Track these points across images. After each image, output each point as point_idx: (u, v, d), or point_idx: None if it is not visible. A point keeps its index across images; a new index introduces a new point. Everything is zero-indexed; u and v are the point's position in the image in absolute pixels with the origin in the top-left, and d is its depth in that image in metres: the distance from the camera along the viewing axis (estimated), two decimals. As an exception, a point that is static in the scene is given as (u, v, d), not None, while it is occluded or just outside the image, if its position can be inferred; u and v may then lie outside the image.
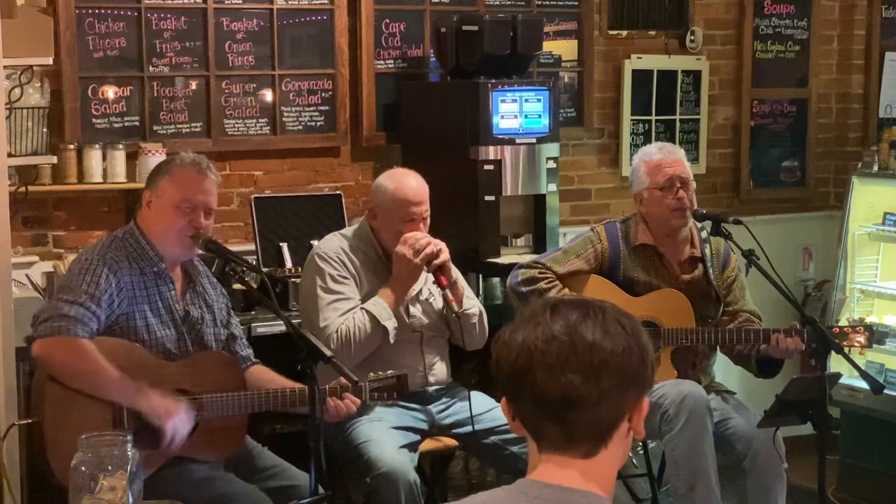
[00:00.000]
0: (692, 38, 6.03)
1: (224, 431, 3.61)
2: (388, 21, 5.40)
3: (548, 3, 5.72)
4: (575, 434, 1.73)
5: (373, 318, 3.99)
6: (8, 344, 3.81)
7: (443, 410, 4.18)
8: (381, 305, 4.02)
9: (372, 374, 3.77)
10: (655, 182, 4.29)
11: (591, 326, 1.74)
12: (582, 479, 1.74)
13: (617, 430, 1.75)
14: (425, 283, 4.20)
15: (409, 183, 4.12)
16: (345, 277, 4.08)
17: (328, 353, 3.46)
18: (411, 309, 4.17)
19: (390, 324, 4.01)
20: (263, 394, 3.61)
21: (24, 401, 3.87)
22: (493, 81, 4.98)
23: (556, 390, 1.71)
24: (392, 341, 4.03)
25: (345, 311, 4.02)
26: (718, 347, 4.35)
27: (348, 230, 4.28)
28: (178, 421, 3.42)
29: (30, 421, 3.56)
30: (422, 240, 4.04)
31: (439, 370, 4.22)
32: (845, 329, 4.28)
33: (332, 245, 4.16)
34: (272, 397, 3.62)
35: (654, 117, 5.99)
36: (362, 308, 4.02)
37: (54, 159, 4.68)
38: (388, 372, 3.79)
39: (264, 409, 3.65)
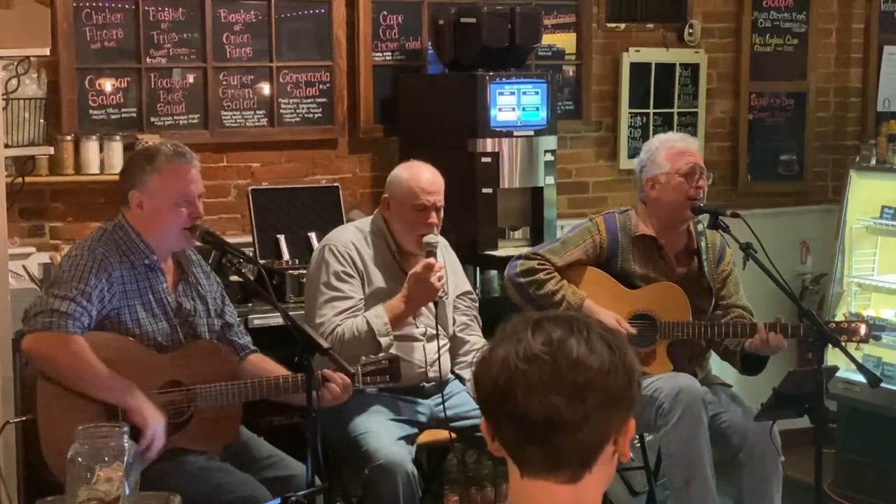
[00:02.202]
0: (690, 31, 6.02)
1: (218, 422, 3.60)
2: (385, 13, 5.39)
3: (546, -5, 5.72)
4: (558, 457, 1.64)
5: (370, 331, 3.97)
6: (4, 336, 3.79)
7: (442, 404, 4.17)
8: (382, 319, 3.98)
9: (364, 357, 3.76)
10: (677, 167, 4.23)
11: (574, 344, 1.64)
12: None
13: (602, 453, 1.67)
14: None
15: (423, 173, 4.14)
16: (349, 275, 4.06)
17: (325, 344, 3.45)
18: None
19: (385, 340, 3.97)
20: (256, 382, 3.60)
21: (21, 392, 3.86)
22: (491, 74, 4.97)
23: (538, 412, 1.62)
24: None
25: (342, 310, 4.01)
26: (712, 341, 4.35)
27: (363, 222, 4.26)
28: (159, 427, 3.40)
29: (24, 419, 3.54)
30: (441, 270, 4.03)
31: (439, 365, 4.21)
32: (842, 324, 4.26)
33: (344, 238, 4.15)
34: (265, 385, 3.60)
35: (651, 110, 5.99)
36: (364, 316, 4.00)
37: (51, 150, 4.67)
38: (380, 354, 3.79)
39: (258, 398, 3.63)
